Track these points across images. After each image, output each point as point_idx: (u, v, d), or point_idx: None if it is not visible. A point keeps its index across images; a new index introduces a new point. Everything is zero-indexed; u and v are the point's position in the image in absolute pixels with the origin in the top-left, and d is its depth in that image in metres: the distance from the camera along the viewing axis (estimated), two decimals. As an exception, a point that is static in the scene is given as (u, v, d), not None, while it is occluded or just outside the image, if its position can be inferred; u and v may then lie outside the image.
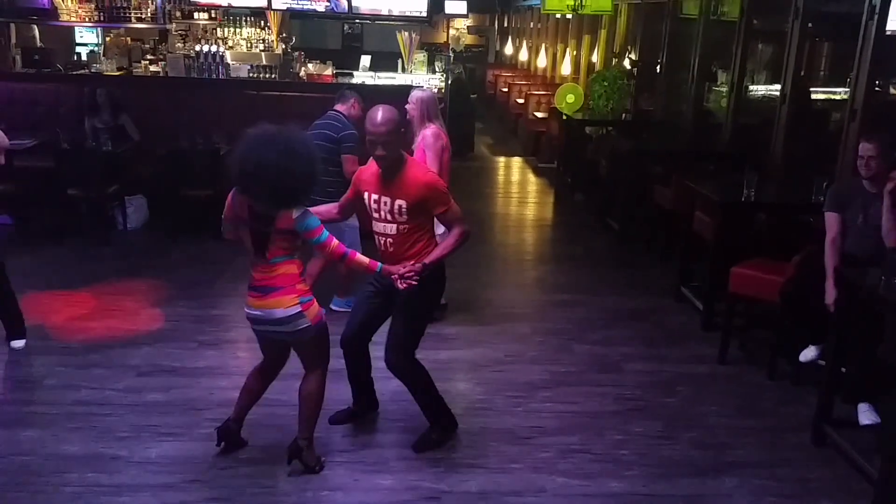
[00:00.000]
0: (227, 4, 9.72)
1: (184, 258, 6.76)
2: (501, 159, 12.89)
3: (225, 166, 3.57)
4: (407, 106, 5.15)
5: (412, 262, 3.53)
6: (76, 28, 11.50)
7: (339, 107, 5.49)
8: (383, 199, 3.57)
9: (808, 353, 4.90)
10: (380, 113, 3.45)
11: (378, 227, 3.65)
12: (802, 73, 6.92)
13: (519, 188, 11.18)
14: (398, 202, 3.53)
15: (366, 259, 3.49)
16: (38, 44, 10.97)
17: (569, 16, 14.00)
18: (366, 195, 3.66)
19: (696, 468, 3.94)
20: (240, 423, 3.82)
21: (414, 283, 3.46)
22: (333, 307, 5.64)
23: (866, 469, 3.79)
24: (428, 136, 5.16)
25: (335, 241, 3.39)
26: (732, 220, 5.57)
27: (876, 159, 4.35)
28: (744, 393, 4.77)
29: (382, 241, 3.66)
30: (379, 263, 3.50)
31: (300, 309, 3.41)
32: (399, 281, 3.46)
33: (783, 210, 5.86)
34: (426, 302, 3.79)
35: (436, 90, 10.13)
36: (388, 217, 3.58)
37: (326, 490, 3.61)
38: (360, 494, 3.62)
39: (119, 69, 10.13)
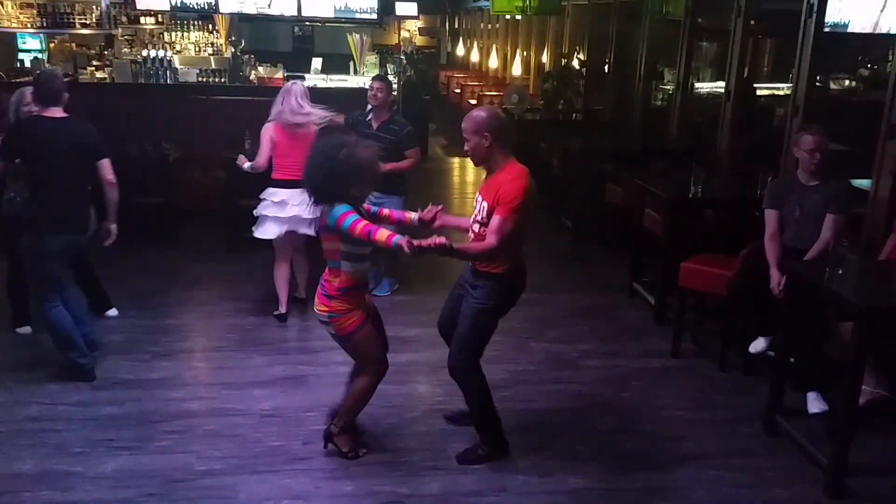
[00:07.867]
0: (170, 6, 9.52)
1: (134, 267, 6.61)
2: (456, 160, 12.93)
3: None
4: None
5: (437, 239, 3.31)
6: (19, 34, 11.24)
7: None
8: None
9: (758, 345, 5.03)
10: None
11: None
12: (746, 70, 7.09)
13: (474, 189, 11.21)
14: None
15: (385, 233, 3.35)
16: (-21, 51, 10.70)
17: (518, 17, 14.14)
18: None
19: (652, 461, 4.01)
20: None
21: (438, 244, 3.22)
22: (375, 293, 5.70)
23: (816, 456, 3.89)
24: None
25: (360, 225, 3.38)
26: (681, 216, 5.69)
27: (826, 151, 4.49)
28: (697, 385, 4.87)
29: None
30: (395, 237, 3.29)
31: (328, 319, 3.64)
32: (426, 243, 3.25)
33: (730, 205, 5.99)
34: (486, 310, 3.69)
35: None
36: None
37: (287, 499, 3.59)
38: (323, 502, 3.61)
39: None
